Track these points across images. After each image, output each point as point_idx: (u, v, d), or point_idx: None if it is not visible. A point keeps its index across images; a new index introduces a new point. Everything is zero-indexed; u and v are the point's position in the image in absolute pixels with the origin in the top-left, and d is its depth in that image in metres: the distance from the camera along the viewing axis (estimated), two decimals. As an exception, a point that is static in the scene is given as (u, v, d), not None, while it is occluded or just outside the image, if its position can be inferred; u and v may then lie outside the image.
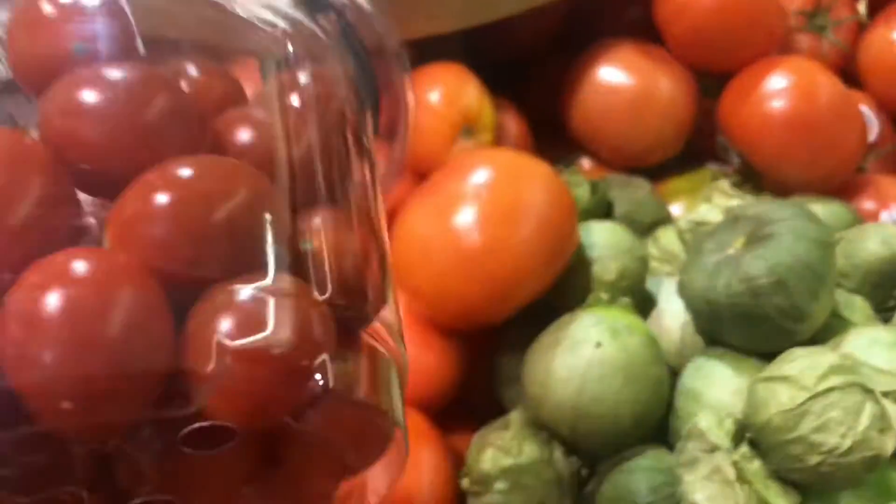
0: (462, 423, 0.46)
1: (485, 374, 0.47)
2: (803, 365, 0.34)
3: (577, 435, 0.39)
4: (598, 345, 0.38)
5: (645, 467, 0.37)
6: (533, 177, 0.42)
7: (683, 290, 0.41)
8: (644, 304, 0.44)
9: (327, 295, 0.23)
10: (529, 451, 0.39)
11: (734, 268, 0.38)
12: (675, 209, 0.55)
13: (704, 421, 0.35)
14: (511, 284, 0.41)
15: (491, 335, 0.47)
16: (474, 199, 0.41)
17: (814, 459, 0.33)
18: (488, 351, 0.47)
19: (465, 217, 0.41)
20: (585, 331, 0.39)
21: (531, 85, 0.62)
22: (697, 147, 0.60)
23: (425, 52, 0.55)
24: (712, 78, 0.58)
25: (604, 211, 0.51)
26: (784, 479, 0.35)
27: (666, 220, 0.53)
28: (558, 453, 0.40)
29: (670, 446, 0.39)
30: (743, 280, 0.37)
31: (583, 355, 0.38)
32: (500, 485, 0.39)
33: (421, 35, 0.50)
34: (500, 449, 0.39)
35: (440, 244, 0.41)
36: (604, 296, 0.42)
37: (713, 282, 0.39)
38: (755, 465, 0.34)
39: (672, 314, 0.43)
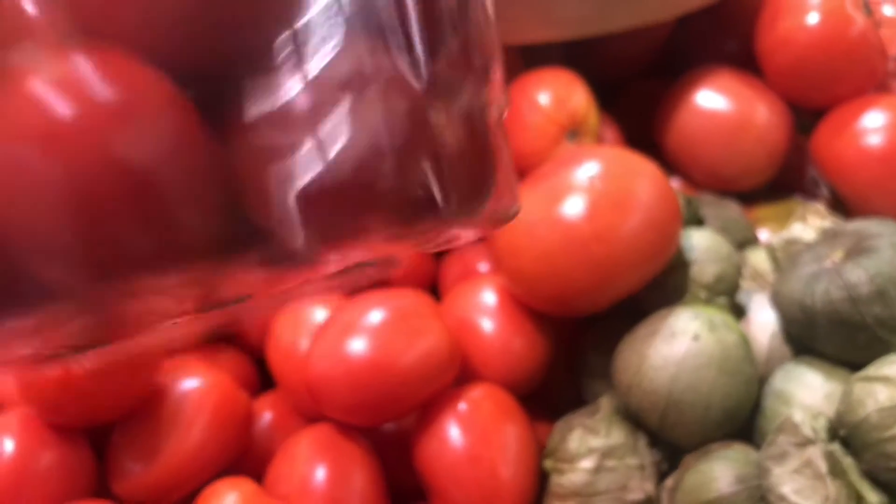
0: (541, 416, 0.47)
1: (566, 369, 0.49)
2: (904, 367, 0.35)
3: (666, 424, 0.40)
4: (697, 337, 0.39)
5: (731, 458, 0.38)
6: (642, 172, 0.43)
7: (777, 298, 0.43)
8: (734, 315, 0.46)
9: None
10: (617, 434, 0.40)
11: (833, 276, 0.39)
12: (761, 235, 0.57)
13: (798, 415, 0.36)
14: (614, 273, 0.42)
15: (576, 331, 0.49)
16: (584, 187, 0.43)
17: (909, 460, 0.34)
18: (573, 346, 0.49)
19: (575, 204, 0.42)
20: (685, 323, 0.40)
21: (627, 104, 0.64)
22: (786, 180, 0.61)
23: (529, 62, 0.58)
24: (806, 114, 0.60)
25: (696, 225, 0.52)
26: (874, 478, 0.35)
27: (754, 241, 0.54)
28: (643, 442, 0.41)
29: (756, 447, 0.40)
30: (842, 288, 0.39)
31: (680, 346, 0.40)
32: (585, 463, 0.40)
33: (536, 41, 0.53)
34: (589, 429, 0.41)
35: (547, 228, 0.43)
36: (701, 295, 0.43)
37: (811, 289, 0.40)
38: (848, 461, 0.35)
39: (761, 325, 0.44)
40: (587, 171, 0.43)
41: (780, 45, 0.57)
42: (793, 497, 0.35)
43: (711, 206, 0.54)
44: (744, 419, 0.40)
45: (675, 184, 0.61)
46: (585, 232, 0.41)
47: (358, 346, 0.41)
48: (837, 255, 0.41)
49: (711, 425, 0.39)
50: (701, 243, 0.45)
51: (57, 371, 0.38)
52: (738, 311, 0.46)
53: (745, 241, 0.53)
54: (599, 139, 0.56)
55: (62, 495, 0.40)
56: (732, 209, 0.55)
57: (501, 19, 0.51)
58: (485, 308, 0.47)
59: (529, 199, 0.45)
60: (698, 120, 0.58)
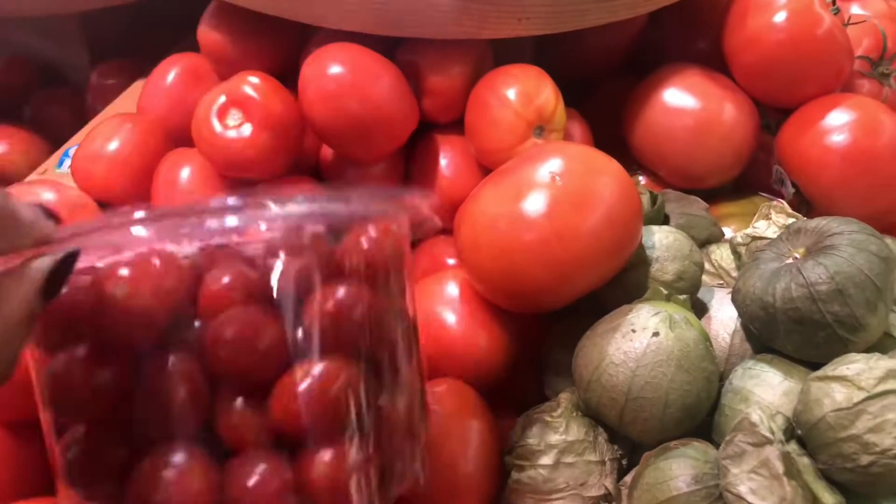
0: (506, 412, 0.47)
1: (529, 365, 0.49)
2: (861, 367, 0.35)
3: (625, 420, 0.40)
4: (656, 333, 0.39)
5: (689, 456, 0.38)
6: (604, 170, 0.43)
7: (738, 295, 0.42)
8: (695, 312, 0.45)
9: None
10: (576, 430, 0.40)
11: (794, 274, 0.39)
12: (726, 232, 0.57)
13: (755, 414, 0.36)
14: (575, 270, 0.42)
15: (541, 326, 0.49)
16: (546, 185, 0.43)
17: (866, 459, 0.34)
18: (537, 342, 0.49)
19: (536, 201, 0.42)
20: (644, 319, 0.40)
21: (597, 101, 0.64)
22: (752, 178, 0.61)
23: (500, 58, 0.58)
24: (773, 112, 0.60)
25: (661, 222, 0.52)
26: (830, 478, 0.35)
27: (719, 237, 0.54)
28: (602, 438, 0.41)
29: (714, 445, 0.40)
30: (802, 286, 0.38)
31: (640, 342, 0.39)
32: (545, 459, 0.40)
33: (509, 36, 0.52)
34: (548, 425, 0.40)
35: (509, 225, 0.42)
36: (662, 292, 0.43)
37: (771, 286, 0.40)
38: (804, 461, 0.35)
39: (721, 322, 0.44)
40: (549, 168, 0.43)
41: (748, 43, 0.57)
42: (749, 497, 0.35)
43: (677, 202, 0.54)
44: (703, 416, 0.40)
45: (643, 180, 0.61)
46: (545, 229, 0.41)
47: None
48: (799, 252, 0.42)
49: (670, 422, 0.39)
50: (662, 241, 0.45)
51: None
52: (701, 308, 0.46)
53: (710, 238, 0.53)
54: (567, 136, 0.55)
55: (13, 493, 0.39)
56: (698, 206, 0.55)
57: (473, 15, 0.51)
58: (449, 302, 0.46)
59: (493, 195, 0.45)
60: (666, 118, 0.58)
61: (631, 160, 0.61)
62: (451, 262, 0.55)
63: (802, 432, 0.36)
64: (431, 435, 0.41)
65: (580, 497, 0.39)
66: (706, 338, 0.41)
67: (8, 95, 0.83)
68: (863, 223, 0.41)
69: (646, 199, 0.51)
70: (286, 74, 0.56)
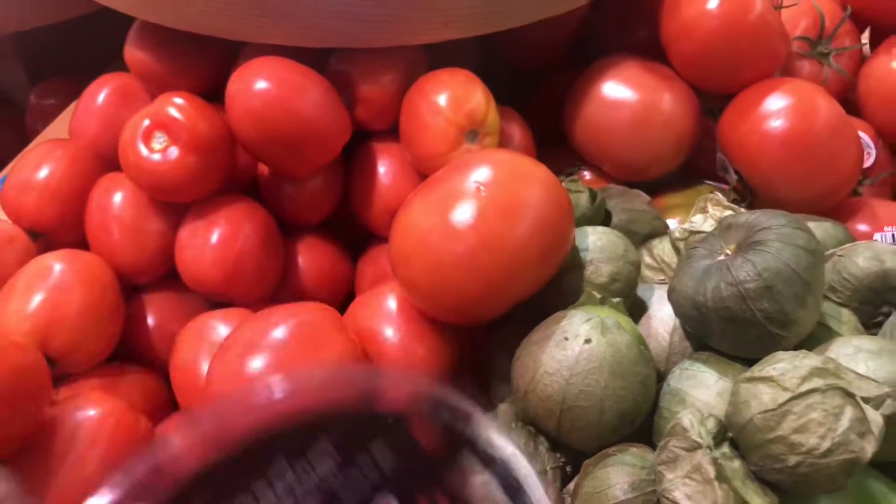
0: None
1: (474, 371, 0.48)
2: (786, 367, 0.35)
3: (562, 428, 0.39)
4: (588, 340, 0.39)
5: (627, 462, 0.38)
6: (531, 177, 0.43)
7: (673, 295, 0.42)
8: (635, 311, 0.45)
9: None
10: (515, 440, 0.40)
11: (723, 272, 0.39)
12: (671, 223, 0.56)
13: (686, 419, 0.36)
14: (505, 280, 0.41)
15: (482, 333, 0.48)
16: (473, 195, 0.42)
17: (793, 460, 0.34)
18: (478, 349, 0.48)
19: (464, 212, 0.41)
20: (576, 326, 0.40)
21: (537, 98, 0.64)
22: (696, 166, 0.61)
23: (437, 61, 0.57)
24: (714, 99, 0.60)
25: (602, 219, 0.52)
26: (764, 480, 0.35)
27: (662, 231, 0.54)
28: (543, 448, 0.41)
29: (654, 448, 0.39)
30: (731, 284, 0.38)
31: (572, 349, 0.39)
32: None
33: (438, 40, 0.51)
34: (486, 439, 0.40)
35: (438, 238, 0.42)
36: (597, 295, 0.42)
37: (702, 286, 0.39)
38: (735, 465, 0.35)
39: (661, 320, 0.44)
40: (476, 177, 0.42)
41: (684, 31, 0.57)
42: (684, 502, 0.35)
43: (619, 197, 0.54)
44: (642, 420, 0.40)
45: (587, 175, 0.61)
46: (473, 241, 0.41)
47: (258, 364, 0.40)
48: (730, 247, 0.41)
49: (607, 429, 0.39)
50: (596, 243, 0.45)
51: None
52: (640, 307, 0.45)
53: (653, 232, 0.53)
54: (506, 137, 0.55)
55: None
56: (640, 200, 0.54)
57: (401, 21, 0.50)
58: (387, 316, 0.46)
59: (423, 206, 0.44)
60: (605, 111, 0.58)
61: (574, 155, 0.61)
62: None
63: (734, 434, 0.36)
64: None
65: (521, 510, 0.39)
66: (641, 341, 0.40)
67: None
68: (792, 216, 0.41)
69: (585, 197, 0.50)
70: (219, 90, 0.55)
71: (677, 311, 0.42)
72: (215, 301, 0.52)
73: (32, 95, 0.78)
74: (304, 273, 0.55)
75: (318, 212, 0.56)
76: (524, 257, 0.41)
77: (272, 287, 0.53)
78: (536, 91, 0.65)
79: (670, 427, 0.37)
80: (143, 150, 0.49)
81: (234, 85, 0.50)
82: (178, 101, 0.50)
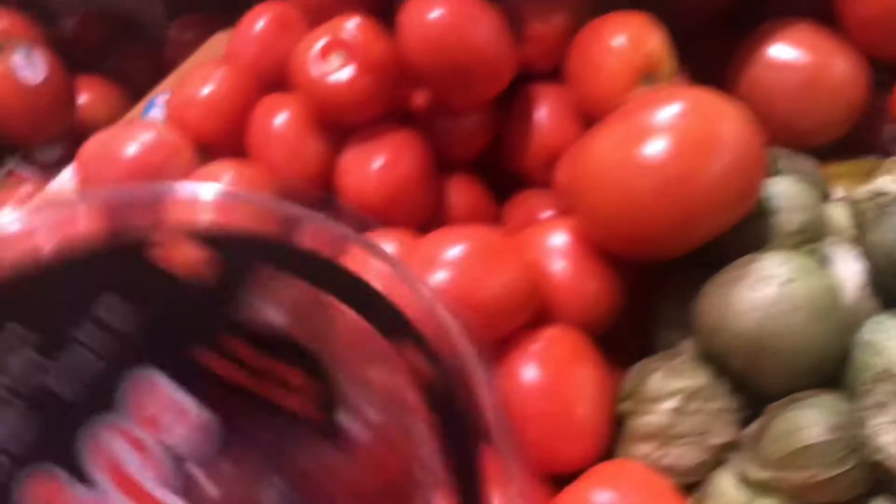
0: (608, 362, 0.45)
1: (636, 316, 0.47)
2: None
3: (751, 369, 0.38)
4: (789, 280, 0.38)
5: (824, 405, 0.36)
6: (728, 114, 0.42)
7: (869, 248, 0.41)
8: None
9: None
10: (701, 376, 0.39)
11: (934, 224, 0.37)
12: (834, 192, 0.55)
13: (898, 365, 0.35)
14: (696, 215, 0.40)
15: (648, 279, 0.47)
16: (667, 128, 0.41)
17: None
18: (643, 294, 0.47)
19: (658, 145, 0.41)
20: (775, 268, 0.38)
21: (696, 59, 0.62)
22: (860, 137, 0.59)
23: (598, 10, 0.56)
24: (887, 70, 0.57)
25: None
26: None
27: (828, 196, 0.52)
28: (726, 388, 0.40)
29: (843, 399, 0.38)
30: (943, 235, 0.37)
31: (770, 289, 0.38)
32: (668, 404, 0.38)
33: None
34: (671, 371, 0.39)
35: (628, 169, 0.41)
36: (787, 243, 0.41)
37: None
38: (954, 410, 0.33)
39: (845, 279, 0.42)
40: (669, 112, 0.41)
41: (863, -5, 0.55)
42: (892, 448, 0.34)
43: (786, 159, 0.52)
44: (832, 368, 0.39)
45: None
46: (668, 173, 0.40)
47: (439, 278, 0.40)
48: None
49: (799, 373, 0.38)
50: (785, 191, 0.44)
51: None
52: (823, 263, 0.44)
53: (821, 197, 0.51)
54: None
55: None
56: (808, 164, 0.53)
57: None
58: (556, 250, 0.45)
59: (609, 141, 0.43)
60: (772, 72, 0.56)
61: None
62: (547, 214, 0.54)
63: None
64: (545, 381, 0.40)
65: (702, 444, 0.38)
66: (836, 288, 0.39)
67: (87, 49, 0.83)
68: None
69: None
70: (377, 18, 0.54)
71: (872, 264, 0.40)
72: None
73: (172, 29, 0.79)
74: (454, 208, 0.55)
75: (472, 148, 0.56)
76: (719, 194, 0.40)
77: (426, 217, 0.53)
78: (695, 52, 0.63)
79: (876, 372, 0.36)
80: (320, 68, 0.50)
81: (409, 12, 0.50)
82: (356, 21, 0.50)
